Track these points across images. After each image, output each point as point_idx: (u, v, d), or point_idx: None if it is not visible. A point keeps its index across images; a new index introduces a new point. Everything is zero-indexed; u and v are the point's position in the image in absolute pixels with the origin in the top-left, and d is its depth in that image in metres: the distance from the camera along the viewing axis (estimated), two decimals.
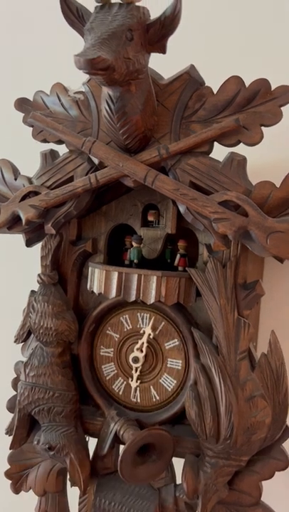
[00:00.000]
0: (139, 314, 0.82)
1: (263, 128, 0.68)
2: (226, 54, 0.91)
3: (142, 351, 0.81)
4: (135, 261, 0.79)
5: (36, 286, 0.83)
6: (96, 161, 0.74)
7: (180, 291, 0.75)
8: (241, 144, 0.70)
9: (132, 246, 0.79)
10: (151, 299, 0.74)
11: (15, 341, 0.87)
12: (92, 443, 0.85)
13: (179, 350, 0.80)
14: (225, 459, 0.74)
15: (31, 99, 0.80)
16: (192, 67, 0.71)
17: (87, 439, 0.86)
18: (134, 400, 0.84)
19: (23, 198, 0.78)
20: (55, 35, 0.94)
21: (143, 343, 0.81)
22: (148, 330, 0.81)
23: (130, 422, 0.80)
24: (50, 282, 0.82)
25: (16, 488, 0.89)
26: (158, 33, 0.63)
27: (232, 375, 0.72)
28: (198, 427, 0.74)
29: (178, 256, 0.80)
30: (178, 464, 0.80)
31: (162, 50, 0.66)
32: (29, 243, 0.84)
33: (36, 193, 0.77)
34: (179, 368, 0.81)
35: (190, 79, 0.71)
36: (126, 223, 0.83)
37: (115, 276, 0.76)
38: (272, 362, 0.73)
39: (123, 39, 0.60)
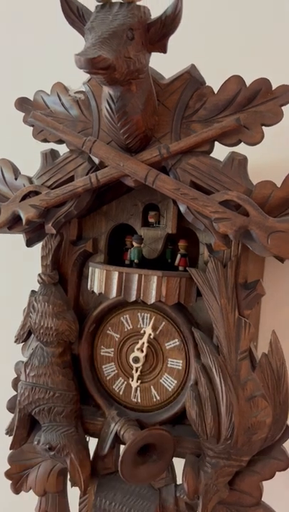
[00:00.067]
0: (139, 314, 0.82)
1: (263, 127, 0.68)
2: (227, 53, 0.91)
3: (142, 351, 0.81)
4: (136, 261, 0.79)
5: (37, 286, 0.83)
6: (96, 160, 0.74)
7: (181, 291, 0.75)
8: (242, 143, 0.69)
9: (132, 246, 0.79)
10: (152, 299, 0.74)
11: (15, 341, 0.87)
12: (92, 443, 0.85)
13: (180, 350, 0.80)
14: (225, 459, 0.74)
15: (32, 99, 0.79)
16: (193, 66, 0.71)
17: (87, 439, 0.86)
18: (135, 400, 0.84)
19: (24, 198, 0.78)
20: (56, 34, 0.94)
21: (143, 343, 0.81)
22: (148, 330, 0.80)
23: (131, 422, 0.80)
24: (51, 282, 0.82)
25: (16, 489, 0.88)
26: (159, 32, 0.63)
27: (233, 375, 0.72)
28: (198, 427, 0.74)
29: (178, 256, 0.80)
30: (178, 464, 0.80)
31: (163, 49, 0.65)
32: (29, 243, 0.84)
33: (37, 193, 0.77)
34: (180, 368, 0.81)
35: (191, 78, 0.71)
36: (126, 223, 0.83)
37: (116, 276, 0.76)
38: (273, 362, 0.73)
39: (124, 38, 0.60)
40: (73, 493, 0.87)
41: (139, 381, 0.82)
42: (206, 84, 0.71)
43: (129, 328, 0.83)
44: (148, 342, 0.81)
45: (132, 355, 0.82)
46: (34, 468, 0.87)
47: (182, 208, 0.71)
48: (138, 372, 0.82)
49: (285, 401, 0.73)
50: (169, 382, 0.81)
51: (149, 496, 0.81)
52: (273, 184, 0.68)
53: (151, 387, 0.83)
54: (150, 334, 0.80)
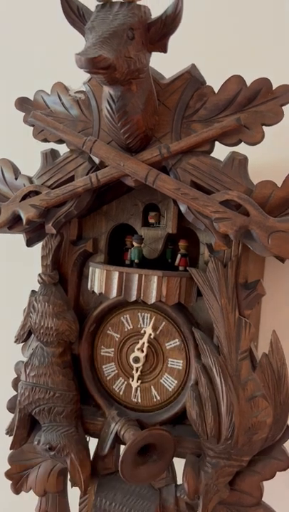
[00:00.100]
0: (139, 314, 0.82)
1: (264, 127, 0.68)
2: (227, 53, 0.91)
3: (142, 351, 0.81)
4: (136, 261, 0.78)
5: (37, 286, 0.83)
6: (97, 160, 0.74)
7: (181, 291, 0.75)
8: (242, 143, 0.69)
9: (132, 246, 0.79)
10: (152, 299, 0.74)
11: (15, 341, 0.87)
12: (92, 443, 0.85)
13: (180, 350, 0.80)
14: (226, 459, 0.74)
15: (32, 99, 0.79)
16: (193, 66, 0.71)
17: (87, 439, 0.86)
18: (135, 400, 0.84)
19: (24, 198, 0.78)
20: (56, 34, 0.94)
21: (144, 343, 0.81)
22: (149, 330, 0.80)
23: (131, 422, 0.80)
24: (51, 282, 0.82)
25: (17, 489, 0.88)
26: (159, 32, 0.63)
27: (233, 375, 0.72)
28: (199, 427, 0.74)
29: (179, 256, 0.80)
30: (179, 464, 0.80)
31: (163, 49, 0.65)
32: (30, 243, 0.83)
33: (37, 193, 0.77)
34: (180, 368, 0.81)
35: (191, 78, 0.71)
36: (127, 223, 0.83)
37: (116, 276, 0.75)
38: (274, 362, 0.73)
39: (124, 38, 0.60)
40: (73, 493, 0.87)
41: (139, 381, 0.82)
42: (207, 84, 0.71)
43: (129, 328, 0.83)
44: (148, 342, 0.81)
45: (132, 355, 0.81)
46: (34, 469, 0.87)
47: (183, 208, 0.71)
48: (138, 372, 0.82)
49: (286, 401, 0.73)
50: (170, 382, 0.81)
51: (149, 496, 0.81)
52: (274, 184, 0.68)
53: (152, 387, 0.82)
54: (150, 334, 0.80)
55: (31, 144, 0.80)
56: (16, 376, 0.87)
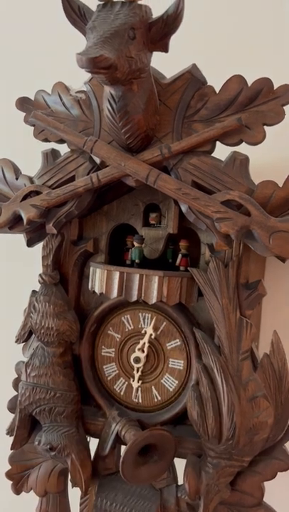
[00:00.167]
0: (140, 314, 0.82)
1: (265, 127, 0.68)
2: (228, 53, 0.91)
3: (143, 351, 0.81)
4: (137, 261, 0.78)
5: (37, 286, 0.83)
6: (98, 160, 0.74)
7: (182, 291, 0.75)
8: (243, 143, 0.69)
9: (133, 246, 0.79)
10: (153, 299, 0.74)
11: (16, 341, 0.87)
12: (93, 443, 0.85)
13: (181, 350, 0.80)
14: (227, 459, 0.74)
15: (32, 99, 0.79)
16: (194, 66, 0.71)
17: (88, 439, 0.85)
18: (136, 401, 0.84)
19: (25, 198, 0.77)
20: (57, 34, 0.94)
21: (144, 343, 0.81)
22: (149, 330, 0.80)
23: (132, 422, 0.80)
24: (52, 282, 0.82)
25: (17, 489, 0.88)
26: (160, 31, 0.63)
27: (234, 375, 0.72)
28: (200, 428, 0.74)
29: (179, 256, 0.79)
30: (180, 464, 0.79)
31: (164, 48, 0.65)
32: (30, 243, 0.83)
33: (37, 193, 0.77)
34: (181, 368, 0.80)
35: (192, 78, 0.70)
36: (127, 223, 0.82)
37: (117, 276, 0.75)
38: (275, 362, 0.73)
39: (125, 38, 0.60)
40: (74, 494, 0.87)
41: (140, 381, 0.82)
42: (208, 83, 0.71)
43: (130, 328, 0.83)
44: (149, 342, 0.81)
45: (133, 356, 0.81)
46: (35, 469, 0.87)
47: (184, 208, 0.71)
48: (139, 373, 0.82)
49: (287, 401, 0.73)
50: (170, 383, 0.81)
51: (150, 496, 0.81)
52: (275, 184, 0.68)
53: (153, 387, 0.82)
54: (151, 334, 0.80)
55: (32, 143, 0.80)
56: (17, 376, 0.87)
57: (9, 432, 0.87)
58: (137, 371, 0.82)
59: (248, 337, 0.72)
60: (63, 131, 0.75)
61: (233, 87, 0.69)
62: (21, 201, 0.77)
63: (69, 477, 0.85)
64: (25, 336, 0.85)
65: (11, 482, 0.88)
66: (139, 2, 0.62)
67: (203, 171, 0.70)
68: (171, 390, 0.81)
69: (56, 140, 0.78)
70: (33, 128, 0.79)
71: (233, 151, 0.70)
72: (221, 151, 0.71)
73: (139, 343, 0.81)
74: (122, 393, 0.85)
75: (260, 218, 0.66)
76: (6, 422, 0.88)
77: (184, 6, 0.62)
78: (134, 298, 0.75)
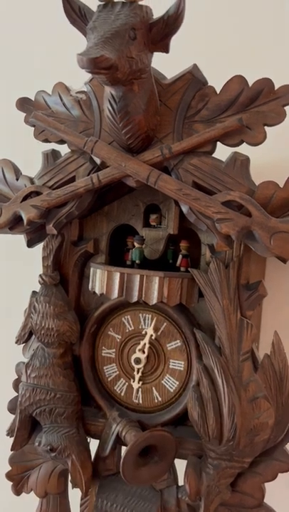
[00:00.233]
0: (141, 315, 0.82)
1: (266, 127, 0.68)
2: (229, 53, 0.91)
3: (143, 352, 0.81)
4: (137, 261, 0.78)
5: (37, 287, 0.83)
6: (98, 161, 0.74)
7: (182, 292, 0.75)
8: (244, 143, 0.69)
9: (133, 246, 0.79)
10: (154, 300, 0.74)
11: (16, 342, 0.86)
12: (93, 444, 0.85)
13: (181, 351, 0.80)
14: (228, 460, 0.74)
15: (33, 99, 0.79)
16: (195, 66, 0.71)
17: (88, 440, 0.85)
18: (136, 401, 0.83)
19: (25, 198, 0.77)
20: (57, 34, 0.94)
21: (145, 344, 0.80)
22: (150, 331, 0.80)
23: (132, 423, 0.80)
24: (52, 283, 0.82)
25: (17, 490, 0.88)
26: (161, 32, 0.63)
27: (235, 376, 0.72)
28: (200, 429, 0.74)
29: (180, 256, 0.79)
30: (180, 465, 0.79)
31: (165, 49, 0.65)
32: (30, 243, 0.83)
33: (38, 193, 0.77)
34: (181, 369, 0.80)
35: (193, 78, 0.70)
36: (128, 223, 0.82)
37: (117, 276, 0.75)
38: (276, 363, 0.73)
39: (126, 38, 0.60)
40: (74, 495, 0.86)
41: (140, 382, 0.82)
42: (208, 84, 0.71)
43: (130, 329, 0.83)
44: (149, 343, 0.80)
45: (133, 356, 0.81)
46: (35, 470, 0.87)
47: (184, 209, 0.71)
48: (139, 374, 0.82)
49: (288, 402, 0.73)
50: (171, 383, 0.81)
51: (150, 497, 0.81)
52: (276, 184, 0.68)
53: (153, 388, 0.82)
54: (152, 335, 0.80)
55: (32, 144, 0.80)
56: (17, 377, 0.87)
57: (9, 433, 0.87)
58: (138, 372, 0.82)
59: (248, 338, 0.72)
60: (64, 132, 0.75)
61: (234, 87, 0.69)
62: (22, 202, 0.77)
63: (69, 478, 0.84)
64: (26, 336, 0.85)
65: (11, 483, 0.88)
66: (140, 2, 0.62)
67: (203, 171, 0.70)
68: (171, 390, 0.81)
69: (56, 140, 0.78)
70: (33, 128, 0.79)
71: (233, 152, 0.70)
72: (222, 152, 0.71)
73: (139, 343, 0.81)
74: (122, 394, 0.84)
75: (260, 219, 0.66)
76: (6, 423, 0.88)
77: (184, 7, 0.61)
78: (135, 299, 0.75)
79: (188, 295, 0.76)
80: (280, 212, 0.68)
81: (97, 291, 0.78)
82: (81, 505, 0.85)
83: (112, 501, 0.82)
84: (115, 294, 0.76)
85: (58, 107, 0.77)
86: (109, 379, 0.85)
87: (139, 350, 0.81)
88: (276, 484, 0.76)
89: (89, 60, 0.56)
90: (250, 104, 0.68)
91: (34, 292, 0.84)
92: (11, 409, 0.88)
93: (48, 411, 0.82)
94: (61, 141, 0.77)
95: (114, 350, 0.84)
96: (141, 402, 0.83)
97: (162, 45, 0.65)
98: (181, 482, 0.79)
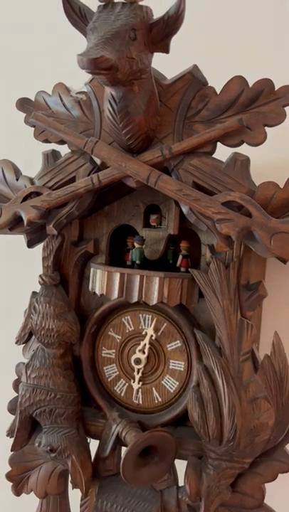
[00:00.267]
0: (141, 315, 0.82)
1: (266, 128, 0.68)
2: (229, 54, 0.91)
3: (144, 353, 0.81)
4: (137, 262, 0.78)
5: (37, 287, 0.83)
6: (98, 161, 0.74)
7: (182, 293, 0.75)
8: (244, 144, 0.69)
9: (133, 247, 0.79)
10: (154, 300, 0.74)
11: (16, 342, 0.86)
12: (93, 445, 0.85)
13: (182, 351, 0.80)
14: (228, 461, 0.74)
15: (33, 99, 0.79)
16: (195, 67, 0.71)
17: (88, 440, 0.85)
18: (136, 402, 0.83)
19: (25, 199, 0.77)
20: (58, 34, 0.94)
21: (145, 344, 0.80)
22: (150, 331, 0.80)
23: (132, 423, 0.80)
24: (52, 283, 0.82)
25: (17, 490, 0.88)
26: (161, 32, 0.63)
27: (235, 377, 0.72)
28: (200, 429, 0.74)
29: (180, 257, 0.79)
30: (180, 466, 0.79)
31: (165, 49, 0.65)
32: (31, 244, 0.83)
33: (38, 194, 0.77)
34: (182, 369, 0.80)
35: (193, 79, 0.70)
36: (128, 224, 0.82)
37: (117, 277, 0.75)
38: (276, 363, 0.73)
39: (126, 39, 0.60)
40: (74, 495, 0.86)
41: (140, 383, 0.82)
42: (209, 84, 0.71)
43: (130, 329, 0.82)
44: (150, 343, 0.80)
45: (133, 357, 0.81)
46: (35, 470, 0.87)
47: (184, 209, 0.71)
48: (140, 374, 0.82)
49: (288, 403, 0.73)
50: (171, 384, 0.81)
51: (150, 497, 0.81)
52: (276, 185, 0.68)
53: (153, 388, 0.82)
54: (152, 335, 0.80)
55: (32, 144, 0.80)
56: (17, 377, 0.87)
57: (9, 434, 0.87)
58: (138, 372, 0.82)
59: (248, 338, 0.72)
60: (64, 132, 0.75)
61: (234, 88, 0.68)
62: (22, 202, 0.77)
63: (69, 478, 0.84)
64: (26, 337, 0.85)
65: (11, 483, 0.88)
66: (140, 3, 0.62)
67: (204, 171, 0.70)
68: (171, 391, 0.81)
69: (57, 141, 0.77)
70: (33, 129, 0.79)
71: (234, 152, 0.70)
72: (222, 152, 0.71)
73: (139, 344, 0.81)
74: (122, 394, 0.84)
75: (261, 219, 0.66)
76: (6, 424, 0.88)
77: (185, 7, 0.61)
78: (135, 299, 0.75)
79: (188, 295, 0.76)
80: (280, 212, 0.68)
81: (98, 291, 0.78)
82: (81, 506, 0.85)
83: (112, 502, 0.82)
84: (115, 294, 0.76)
85: (58, 107, 0.77)
86: (109, 379, 0.85)
87: (139, 350, 0.81)
88: (276, 485, 0.75)
89: (89, 60, 0.56)
90: (250, 105, 0.68)
91: (34, 293, 0.84)
92: (11, 409, 0.88)
93: (48, 411, 0.82)
94: (61, 142, 0.77)
95: (114, 350, 0.84)
96: (141, 402, 0.83)
97: (162, 45, 0.65)
98: (181, 483, 0.79)
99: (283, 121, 0.67)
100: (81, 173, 0.76)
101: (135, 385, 0.82)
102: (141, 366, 0.81)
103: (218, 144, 0.71)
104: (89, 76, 0.72)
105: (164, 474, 0.79)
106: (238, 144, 0.69)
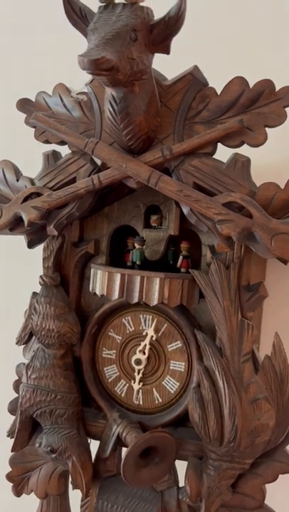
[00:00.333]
0: (141, 316, 0.82)
1: (266, 129, 0.68)
2: (230, 55, 0.91)
3: (144, 353, 0.81)
4: (138, 262, 0.78)
5: (38, 287, 0.83)
6: (99, 162, 0.74)
7: (183, 293, 0.75)
8: (245, 144, 0.69)
9: (134, 247, 0.79)
10: (154, 301, 0.74)
11: (17, 343, 0.86)
12: (94, 445, 0.85)
13: (182, 352, 0.80)
14: (228, 461, 0.74)
15: (33, 100, 0.79)
16: (195, 67, 0.71)
17: (89, 441, 0.85)
18: (137, 402, 0.83)
19: (26, 199, 0.77)
20: (58, 35, 0.94)
21: (145, 345, 0.80)
22: (151, 332, 0.80)
23: (133, 424, 0.80)
24: (52, 284, 0.82)
25: (18, 491, 0.88)
26: (162, 33, 0.63)
27: (235, 378, 0.72)
28: (201, 430, 0.74)
29: (181, 257, 0.79)
30: (181, 466, 0.79)
31: (166, 50, 0.65)
32: (31, 245, 0.83)
33: (38, 194, 0.77)
34: (182, 370, 0.80)
35: (193, 80, 0.70)
36: (128, 224, 0.82)
37: (118, 277, 0.75)
38: (276, 364, 0.72)
39: (127, 39, 0.60)
40: (75, 496, 0.86)
41: (141, 383, 0.82)
42: (209, 85, 0.71)
43: (131, 330, 0.82)
44: (150, 344, 0.80)
45: (134, 357, 0.81)
46: (36, 471, 0.87)
47: (185, 210, 0.71)
48: (140, 375, 0.82)
49: None
50: (172, 385, 0.81)
51: (151, 498, 0.81)
52: (277, 186, 0.68)
53: (154, 389, 0.82)
54: (152, 336, 0.80)
55: (33, 145, 0.80)
56: (17, 378, 0.87)
57: (10, 434, 0.87)
58: (138, 373, 0.81)
59: (249, 339, 0.72)
60: (64, 133, 0.75)
61: (235, 88, 0.68)
62: (22, 203, 0.77)
63: (70, 479, 0.84)
64: (26, 337, 0.85)
65: (12, 484, 0.88)
66: (141, 4, 0.62)
67: (204, 172, 0.70)
68: (172, 392, 0.81)
69: (57, 142, 0.77)
70: (33, 129, 0.79)
71: (234, 153, 0.70)
72: (223, 153, 0.71)
73: (140, 344, 0.81)
74: (122, 395, 0.84)
75: (261, 220, 0.66)
76: (6, 424, 0.88)
77: (185, 8, 0.61)
78: (136, 300, 0.75)
79: (188, 296, 0.76)
80: (281, 213, 0.68)
81: (98, 292, 0.78)
82: (81, 507, 0.85)
83: (112, 502, 0.82)
84: (116, 295, 0.76)
85: (58, 108, 0.77)
86: (109, 380, 0.85)
87: (140, 351, 0.81)
88: (277, 486, 0.75)
89: (90, 61, 0.56)
90: (250, 106, 0.68)
91: (34, 293, 0.84)
92: (12, 410, 0.88)
93: (49, 412, 0.82)
94: (62, 142, 0.77)
95: (114, 351, 0.84)
96: (141, 403, 0.83)
97: (163, 46, 0.65)
98: (181, 483, 0.79)
99: (284, 122, 0.67)
100: (82, 173, 0.76)
101: (136, 386, 0.82)
102: (141, 367, 0.81)
103: (219, 144, 0.71)
104: (89, 77, 0.72)
105: (164, 475, 0.79)
106: (239, 144, 0.69)
